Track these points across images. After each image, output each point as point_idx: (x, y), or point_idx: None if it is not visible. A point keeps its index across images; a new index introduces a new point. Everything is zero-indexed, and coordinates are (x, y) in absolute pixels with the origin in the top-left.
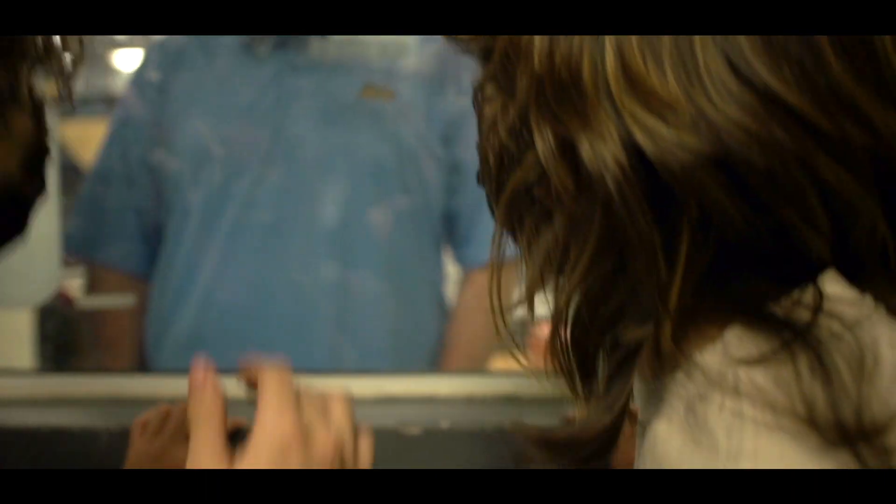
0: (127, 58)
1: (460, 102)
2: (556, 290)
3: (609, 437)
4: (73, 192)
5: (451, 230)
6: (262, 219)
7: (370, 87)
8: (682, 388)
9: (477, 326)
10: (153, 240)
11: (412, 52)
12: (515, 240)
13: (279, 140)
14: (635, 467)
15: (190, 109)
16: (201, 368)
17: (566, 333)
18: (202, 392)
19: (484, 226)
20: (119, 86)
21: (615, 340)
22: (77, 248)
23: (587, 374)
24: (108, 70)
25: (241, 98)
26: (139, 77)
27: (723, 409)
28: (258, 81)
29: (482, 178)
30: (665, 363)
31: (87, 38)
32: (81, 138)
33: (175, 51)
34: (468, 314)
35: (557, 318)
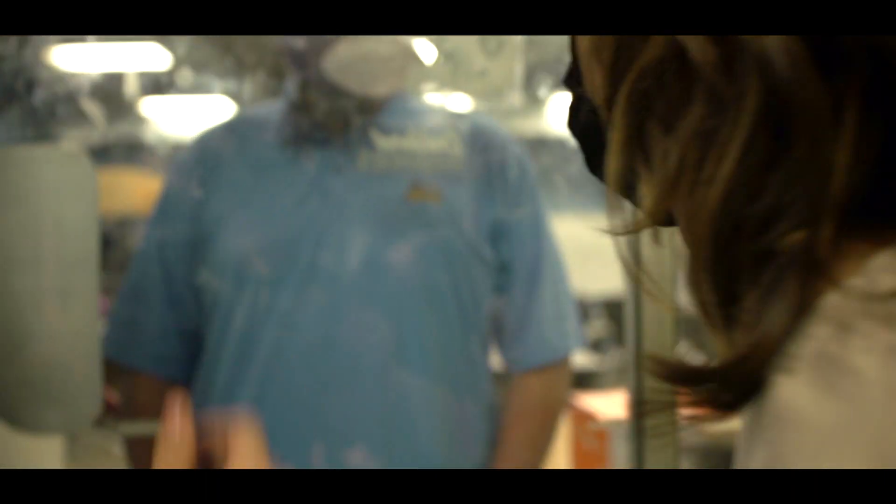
0: (153, 105)
1: (507, 201)
2: (696, 193)
3: (755, 378)
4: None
5: (498, 332)
6: (306, 336)
7: (417, 188)
8: (811, 328)
9: (528, 431)
10: (192, 344)
11: (458, 152)
12: (638, 147)
13: (323, 247)
14: (741, 440)
15: (228, 219)
16: (175, 415)
17: (709, 247)
18: (172, 439)
19: (533, 327)
20: (146, 134)
21: (764, 252)
22: (113, 354)
23: (730, 297)
24: (136, 118)
25: (281, 203)
26: (174, 182)
27: (872, 341)
28: (299, 184)
29: (582, 80)
30: (813, 285)
31: (116, 86)
32: (109, 187)
33: (211, 154)
34: (519, 418)
35: (701, 228)
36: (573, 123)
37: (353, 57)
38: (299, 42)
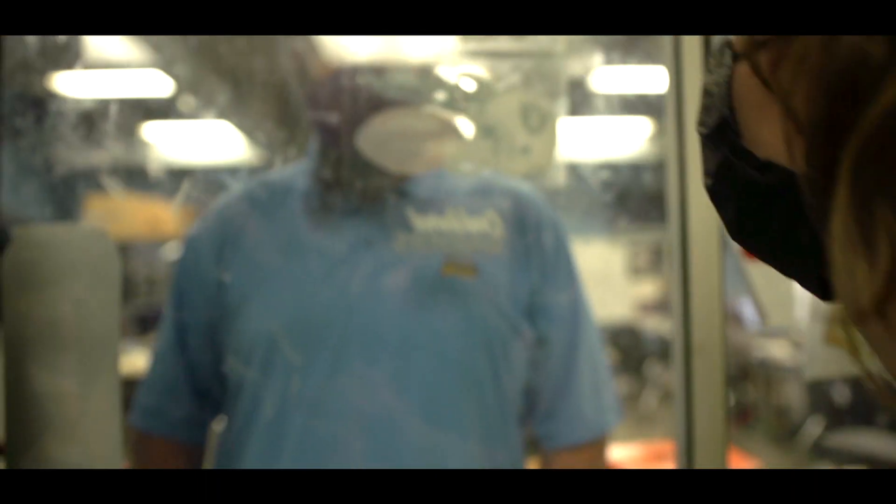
0: (156, 130)
1: (544, 274)
2: None
3: None
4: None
5: (533, 407)
6: (338, 422)
7: (451, 263)
8: None
9: None
10: (213, 410)
11: (498, 233)
12: (856, 221)
13: (354, 327)
14: None
15: (252, 298)
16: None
17: None
18: None
19: (570, 402)
20: (149, 160)
21: None
22: (138, 423)
23: None
24: (138, 143)
25: (309, 280)
26: (190, 258)
27: None
28: (329, 260)
29: (740, 133)
30: None
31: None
32: (111, 212)
33: (231, 225)
34: None
35: None
36: (720, 184)
37: (389, 133)
38: (332, 117)
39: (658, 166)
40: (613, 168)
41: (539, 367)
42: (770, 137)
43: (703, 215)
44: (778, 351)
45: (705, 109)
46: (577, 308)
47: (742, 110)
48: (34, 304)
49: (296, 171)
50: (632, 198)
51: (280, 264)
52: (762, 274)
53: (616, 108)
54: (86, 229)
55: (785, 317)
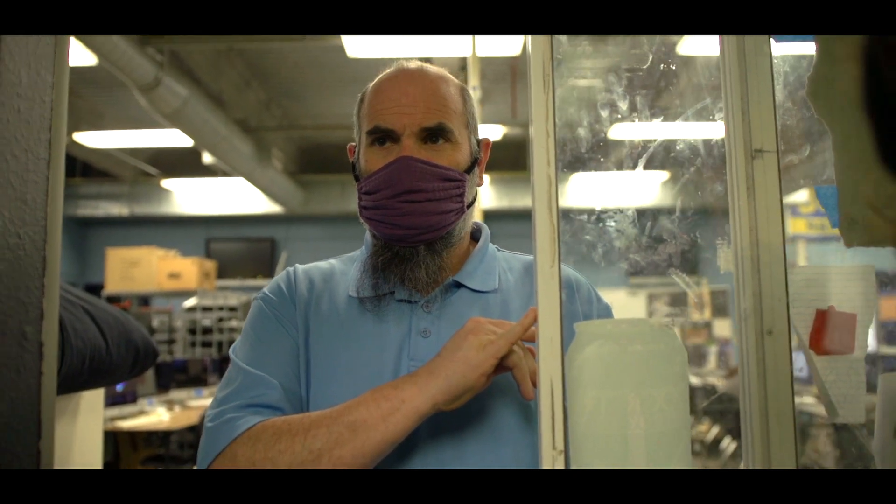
0: (175, 185)
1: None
2: None
3: None
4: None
5: None
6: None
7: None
8: None
9: None
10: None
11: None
12: None
13: None
14: None
15: (317, 366)
16: None
17: None
18: None
19: None
20: (169, 208)
21: None
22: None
23: None
24: (160, 193)
25: (366, 361)
26: (281, 300)
27: None
28: (386, 345)
29: None
30: None
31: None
32: (133, 263)
33: (299, 297)
34: None
35: None
36: None
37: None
38: (384, 212)
39: (673, 214)
40: (630, 217)
41: None
42: None
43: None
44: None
45: None
46: None
47: None
48: (600, 401)
49: (354, 259)
50: (650, 246)
51: (339, 343)
52: (830, 367)
53: (637, 158)
54: (650, 323)
55: (855, 413)
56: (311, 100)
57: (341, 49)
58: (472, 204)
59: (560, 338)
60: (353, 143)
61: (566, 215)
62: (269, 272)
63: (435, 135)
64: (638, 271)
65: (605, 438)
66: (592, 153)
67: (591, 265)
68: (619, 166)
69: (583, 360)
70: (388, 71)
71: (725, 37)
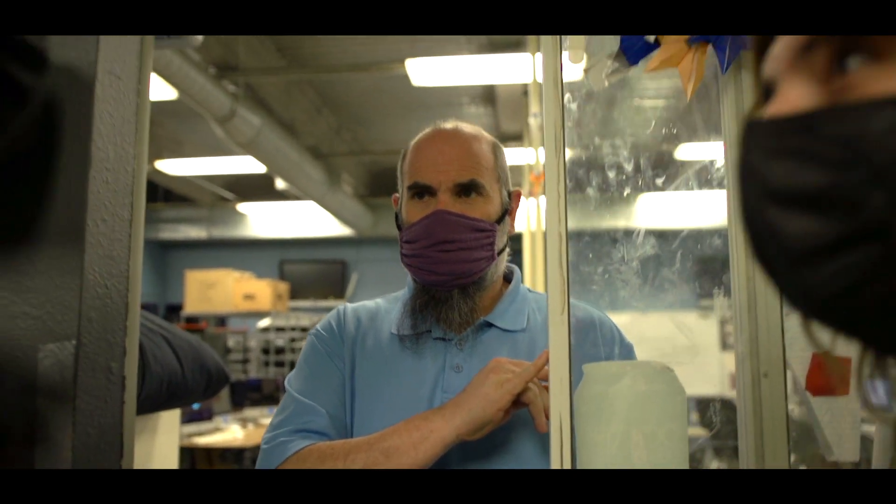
0: (250, 209)
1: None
2: None
3: None
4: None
5: None
6: None
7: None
8: None
9: None
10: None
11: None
12: None
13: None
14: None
15: (360, 397)
16: None
17: None
18: None
19: None
20: (245, 232)
21: None
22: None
23: None
24: (234, 218)
25: (405, 395)
26: (331, 336)
27: None
28: (423, 380)
29: None
30: None
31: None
32: (210, 286)
33: (347, 333)
34: None
35: None
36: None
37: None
38: (422, 260)
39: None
40: (702, 238)
41: None
42: None
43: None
44: None
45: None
46: None
47: None
48: (606, 436)
49: (397, 299)
50: (722, 268)
51: (380, 377)
52: (826, 408)
53: (701, 179)
54: (652, 366)
55: (850, 452)
56: (379, 125)
57: (406, 77)
58: (502, 251)
59: (569, 378)
60: (397, 195)
61: (627, 235)
62: (340, 293)
63: (468, 189)
64: (707, 293)
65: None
66: (659, 172)
67: (656, 286)
68: (686, 186)
69: (590, 399)
70: (426, 131)
71: None
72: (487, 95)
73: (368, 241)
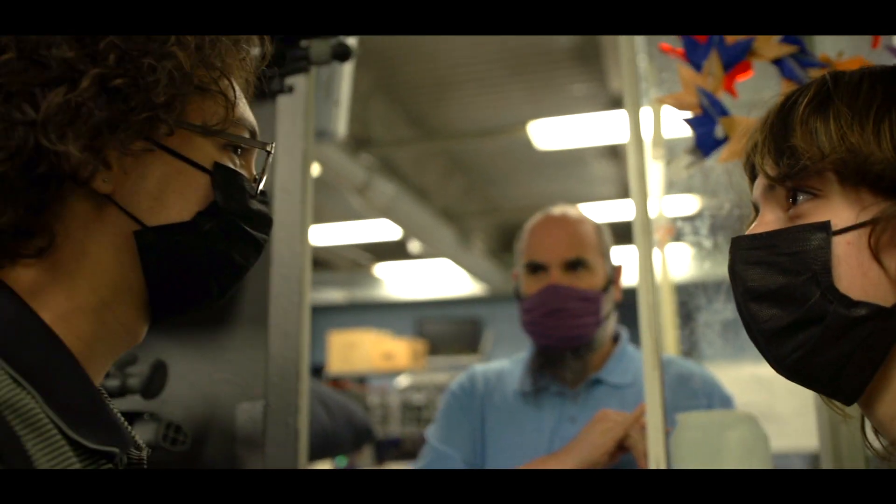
0: (386, 271)
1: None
2: None
3: None
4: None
5: None
6: None
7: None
8: None
9: None
10: None
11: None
12: None
13: None
14: None
15: (489, 449)
16: None
17: None
18: None
19: None
20: (381, 293)
21: None
22: None
23: None
24: (371, 280)
25: (525, 446)
26: (464, 394)
27: None
28: (541, 430)
29: None
30: None
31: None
32: (350, 346)
33: (477, 392)
34: None
35: None
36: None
37: None
38: (540, 327)
39: None
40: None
41: None
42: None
43: None
44: None
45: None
46: None
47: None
48: None
49: (520, 360)
50: None
51: (504, 429)
52: None
53: None
54: (739, 415)
55: None
56: (507, 185)
57: (529, 143)
58: (608, 316)
59: (663, 426)
60: (517, 271)
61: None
62: (474, 349)
63: (575, 265)
64: None
65: None
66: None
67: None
68: None
69: (683, 444)
70: (538, 216)
71: None
72: (612, 151)
73: (501, 298)
